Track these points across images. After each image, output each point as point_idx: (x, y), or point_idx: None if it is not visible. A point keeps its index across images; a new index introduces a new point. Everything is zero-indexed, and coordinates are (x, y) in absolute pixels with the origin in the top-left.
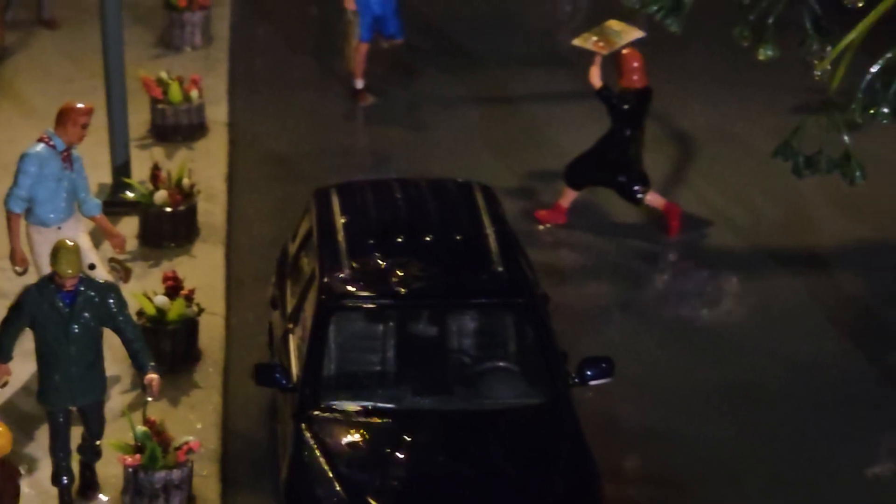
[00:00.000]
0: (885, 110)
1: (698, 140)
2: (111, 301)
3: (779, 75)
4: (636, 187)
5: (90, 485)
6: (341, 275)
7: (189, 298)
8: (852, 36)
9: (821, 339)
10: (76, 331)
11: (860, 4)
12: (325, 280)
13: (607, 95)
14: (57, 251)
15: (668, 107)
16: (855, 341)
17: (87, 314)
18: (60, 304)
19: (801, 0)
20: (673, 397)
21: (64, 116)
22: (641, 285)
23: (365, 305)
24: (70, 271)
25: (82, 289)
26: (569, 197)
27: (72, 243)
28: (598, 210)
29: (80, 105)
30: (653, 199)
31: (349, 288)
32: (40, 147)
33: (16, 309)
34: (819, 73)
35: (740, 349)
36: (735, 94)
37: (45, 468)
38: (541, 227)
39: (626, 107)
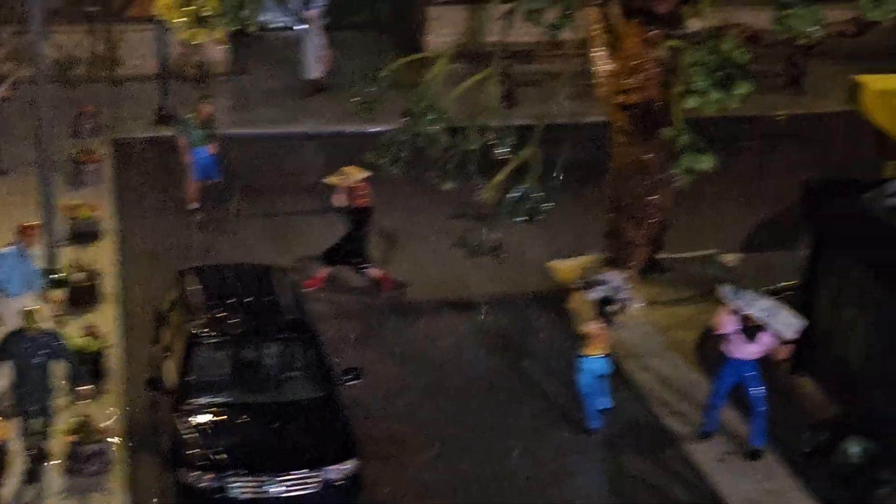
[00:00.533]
0: (520, 218)
1: (398, 235)
2: (58, 343)
3: (454, 197)
4: (363, 265)
5: (44, 455)
6: (199, 321)
7: (99, 338)
8: (501, 175)
9: (484, 357)
10: (37, 361)
11: (508, 156)
12: (189, 324)
13: (346, 210)
14: (25, 312)
15: (383, 217)
16: (502, 357)
17: (42, 351)
18: (27, 346)
19: (470, 152)
20: (398, 393)
21: (23, 230)
22: (370, 324)
23: (214, 340)
24: (33, 324)
25: (40, 334)
26: (324, 271)
27: (32, 307)
28: (341, 279)
29: (31, 223)
30: (373, 271)
31: (204, 329)
32: (8, 250)
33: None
34: (484, 196)
35: (440, 365)
36: (424, 208)
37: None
38: (309, 290)
39: (356, 218)
